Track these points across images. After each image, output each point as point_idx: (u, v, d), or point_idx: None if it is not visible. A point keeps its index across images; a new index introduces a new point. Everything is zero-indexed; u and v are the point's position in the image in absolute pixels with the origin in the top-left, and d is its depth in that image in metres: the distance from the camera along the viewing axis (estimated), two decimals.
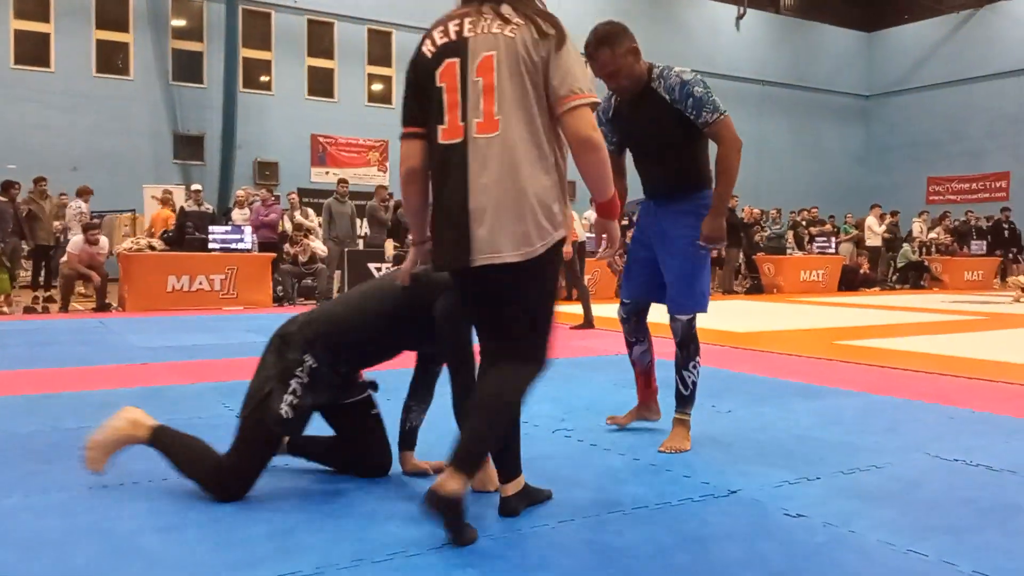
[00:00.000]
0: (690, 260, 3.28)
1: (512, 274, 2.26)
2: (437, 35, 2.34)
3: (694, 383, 3.37)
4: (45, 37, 17.46)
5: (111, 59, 18.08)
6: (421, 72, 2.35)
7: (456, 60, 2.28)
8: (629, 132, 3.42)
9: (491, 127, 2.25)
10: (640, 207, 3.56)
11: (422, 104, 2.35)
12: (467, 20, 2.30)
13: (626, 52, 3.23)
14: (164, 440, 2.72)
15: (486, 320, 2.42)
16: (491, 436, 2.34)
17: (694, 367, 3.36)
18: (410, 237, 2.60)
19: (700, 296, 3.32)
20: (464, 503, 2.20)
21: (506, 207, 2.23)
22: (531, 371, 2.35)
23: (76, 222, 11.66)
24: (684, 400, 3.39)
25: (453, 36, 2.30)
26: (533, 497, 2.54)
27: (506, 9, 2.28)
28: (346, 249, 11.87)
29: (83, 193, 12.54)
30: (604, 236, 2.63)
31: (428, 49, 2.34)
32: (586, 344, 6.83)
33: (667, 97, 3.24)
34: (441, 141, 2.31)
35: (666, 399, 3.57)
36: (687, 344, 3.35)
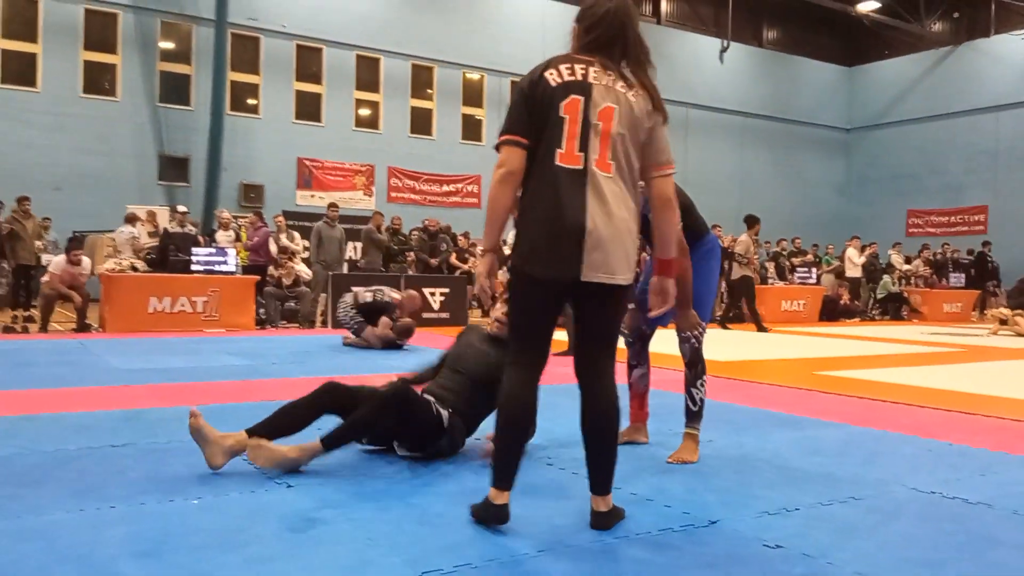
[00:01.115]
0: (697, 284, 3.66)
1: (614, 293, 2.58)
2: (564, 70, 2.58)
3: (702, 400, 3.71)
4: (32, 57, 17.45)
5: (98, 80, 18.08)
6: (543, 96, 2.55)
7: (580, 98, 2.54)
8: None
9: (606, 167, 2.54)
10: None
11: (535, 122, 2.55)
12: (592, 68, 2.58)
13: None
14: (335, 441, 3.22)
15: (582, 325, 2.69)
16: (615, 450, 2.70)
17: (701, 384, 3.72)
18: (482, 242, 2.77)
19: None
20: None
21: (619, 239, 2.53)
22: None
23: (128, 247, 11.67)
24: (693, 416, 3.70)
25: (580, 77, 2.56)
26: (620, 514, 2.75)
27: (628, 72, 2.63)
28: (331, 273, 11.86)
29: (132, 219, 12.51)
30: (658, 294, 2.71)
31: (554, 79, 2.57)
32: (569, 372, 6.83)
33: None
34: (559, 163, 2.52)
35: (656, 424, 3.58)
36: (695, 364, 3.70)
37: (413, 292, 9.17)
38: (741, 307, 13.38)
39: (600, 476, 2.67)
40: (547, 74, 2.57)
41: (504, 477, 2.60)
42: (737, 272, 13.05)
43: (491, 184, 2.57)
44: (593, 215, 2.48)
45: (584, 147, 2.51)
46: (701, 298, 3.71)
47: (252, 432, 3.26)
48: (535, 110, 2.55)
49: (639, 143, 2.59)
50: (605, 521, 2.66)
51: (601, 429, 2.65)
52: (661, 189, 2.64)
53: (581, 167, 2.50)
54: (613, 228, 2.51)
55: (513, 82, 22.95)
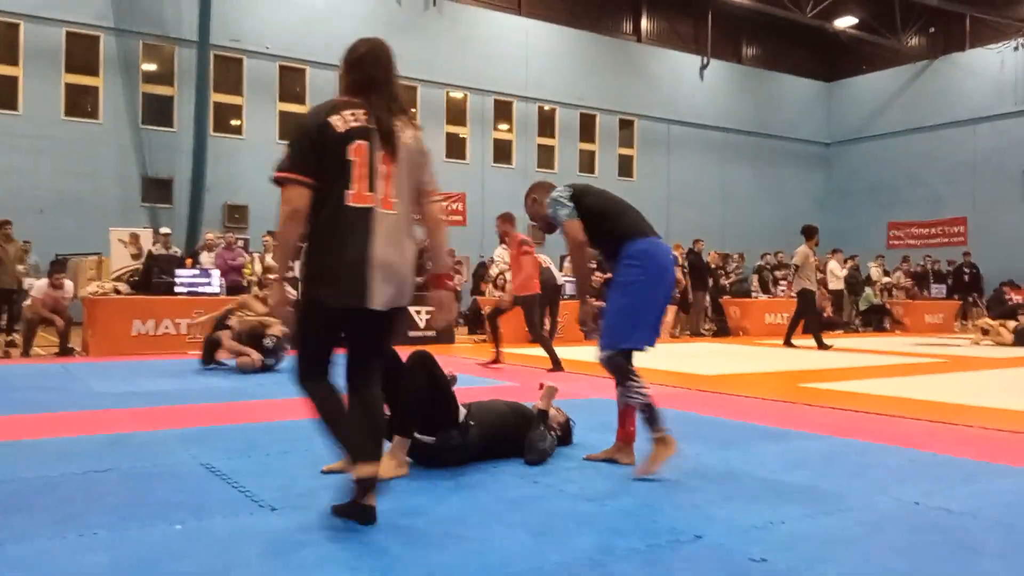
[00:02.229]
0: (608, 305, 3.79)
1: (395, 316, 2.92)
2: (348, 115, 2.84)
3: (641, 398, 3.64)
4: (13, 80, 17.37)
5: (80, 102, 18.02)
6: (331, 141, 2.80)
7: (365, 143, 2.82)
8: None
9: (390, 206, 2.86)
10: None
11: (323, 164, 2.79)
12: (367, 113, 2.86)
13: (531, 201, 4.25)
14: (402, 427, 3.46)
15: (360, 349, 2.94)
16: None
17: (631, 388, 3.67)
18: (275, 272, 3.20)
19: (607, 335, 3.72)
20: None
21: (402, 268, 2.87)
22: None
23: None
24: (648, 421, 3.65)
25: (363, 122, 2.84)
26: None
27: (399, 113, 2.93)
28: None
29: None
30: (437, 306, 3.14)
31: (338, 124, 2.81)
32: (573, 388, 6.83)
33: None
34: (349, 203, 2.79)
35: (642, 439, 3.58)
36: (615, 376, 3.73)
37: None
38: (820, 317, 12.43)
39: (359, 439, 2.84)
40: (332, 119, 2.81)
41: (360, 449, 2.80)
42: (797, 285, 12.28)
43: (281, 220, 2.81)
44: (379, 248, 2.78)
45: (372, 188, 2.80)
46: (619, 308, 3.71)
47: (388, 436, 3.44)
48: (323, 153, 2.79)
49: (415, 179, 2.94)
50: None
51: (368, 403, 2.90)
52: (436, 210, 3.04)
53: (369, 206, 2.80)
54: (397, 259, 2.85)
55: (497, 100, 23.07)
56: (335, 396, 2.88)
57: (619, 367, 3.69)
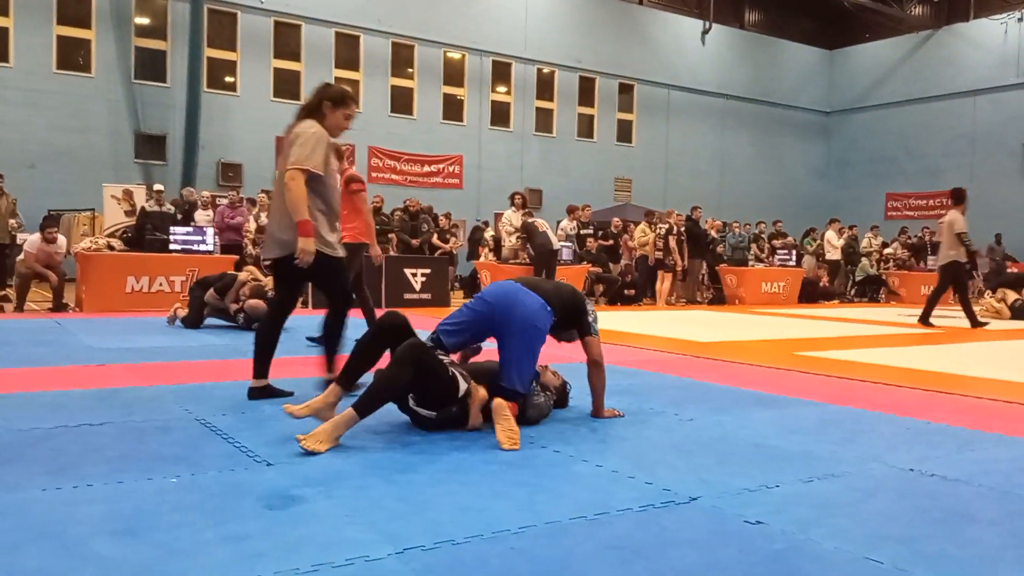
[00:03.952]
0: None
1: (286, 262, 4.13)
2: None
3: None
4: (4, 32, 17.09)
5: (72, 55, 17.76)
6: None
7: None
8: None
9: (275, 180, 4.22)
10: None
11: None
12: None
13: None
14: (365, 406, 3.32)
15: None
16: None
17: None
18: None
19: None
20: None
21: (272, 228, 4.24)
22: None
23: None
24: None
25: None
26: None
27: (302, 116, 4.24)
28: None
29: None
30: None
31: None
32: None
33: None
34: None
35: (638, 403, 3.56)
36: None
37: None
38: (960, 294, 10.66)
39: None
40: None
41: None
42: (944, 257, 10.48)
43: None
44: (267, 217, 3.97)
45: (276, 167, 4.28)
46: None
47: (338, 380, 3.58)
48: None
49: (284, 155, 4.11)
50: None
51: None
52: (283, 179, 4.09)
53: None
54: (271, 223, 4.27)
55: (495, 62, 22.81)
56: (275, 331, 4.30)
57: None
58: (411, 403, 3.63)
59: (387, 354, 3.58)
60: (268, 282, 8.44)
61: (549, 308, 3.81)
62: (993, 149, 25.37)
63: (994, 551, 2.35)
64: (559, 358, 4.84)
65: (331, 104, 4.14)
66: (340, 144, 5.59)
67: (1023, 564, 2.26)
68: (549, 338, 3.95)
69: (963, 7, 26.22)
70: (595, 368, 4.07)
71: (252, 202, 13.74)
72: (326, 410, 3.44)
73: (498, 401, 3.55)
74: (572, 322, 4.03)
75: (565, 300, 3.95)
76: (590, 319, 4.04)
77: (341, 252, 4.30)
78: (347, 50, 20.92)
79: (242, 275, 8.39)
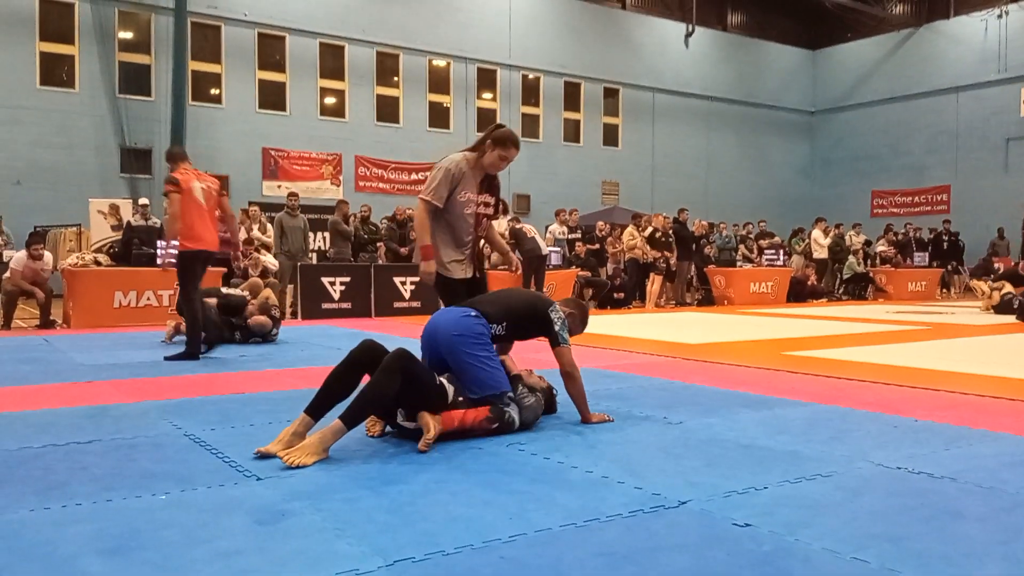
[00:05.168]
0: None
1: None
2: None
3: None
4: None
5: (55, 71, 17.70)
6: None
7: None
8: None
9: None
10: None
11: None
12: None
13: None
14: (352, 417, 3.32)
15: None
16: None
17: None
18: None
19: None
20: None
21: None
22: None
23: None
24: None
25: None
26: None
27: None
28: (299, 263, 11.76)
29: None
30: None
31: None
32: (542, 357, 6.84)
33: None
34: None
35: (626, 407, 3.57)
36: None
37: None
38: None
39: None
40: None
41: None
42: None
43: None
44: None
45: None
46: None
47: (307, 410, 3.45)
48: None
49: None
50: None
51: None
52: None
53: None
54: None
55: (480, 69, 22.84)
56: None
57: None
58: (399, 419, 3.62)
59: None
60: (269, 293, 8.82)
61: (474, 313, 3.80)
62: (976, 145, 25.56)
63: (981, 547, 2.37)
64: (544, 364, 4.85)
65: (492, 143, 4.30)
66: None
67: (1010, 560, 2.28)
68: (535, 344, 3.95)
69: (943, 5, 26.43)
70: (568, 380, 4.03)
71: (245, 213, 13.66)
72: (295, 442, 3.37)
73: (421, 414, 3.55)
74: (534, 330, 4.00)
75: (513, 308, 3.92)
76: (556, 328, 3.96)
77: (458, 275, 4.41)
78: (332, 60, 20.92)
79: (252, 299, 8.53)
